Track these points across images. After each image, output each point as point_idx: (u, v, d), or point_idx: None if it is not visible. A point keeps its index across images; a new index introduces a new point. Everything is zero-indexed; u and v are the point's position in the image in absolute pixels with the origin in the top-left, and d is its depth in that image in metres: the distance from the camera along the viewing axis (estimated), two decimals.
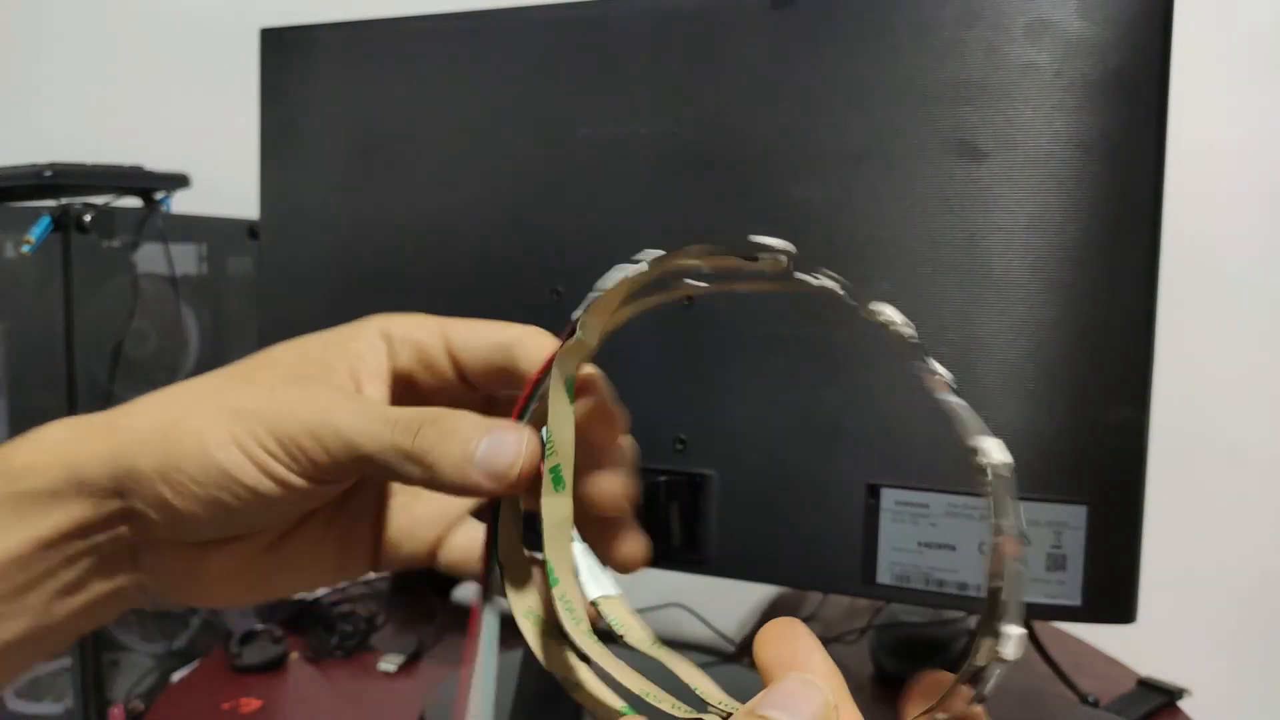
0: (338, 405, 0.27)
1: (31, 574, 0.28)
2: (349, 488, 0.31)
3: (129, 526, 0.28)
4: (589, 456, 0.29)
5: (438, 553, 0.34)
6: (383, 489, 0.33)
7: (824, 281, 0.24)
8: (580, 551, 0.29)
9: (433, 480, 0.26)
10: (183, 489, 0.27)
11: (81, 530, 0.28)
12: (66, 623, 0.29)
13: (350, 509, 0.32)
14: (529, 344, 0.30)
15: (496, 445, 0.26)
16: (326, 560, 0.32)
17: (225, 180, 0.90)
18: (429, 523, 0.33)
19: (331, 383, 0.29)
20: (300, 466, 0.27)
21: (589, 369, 0.29)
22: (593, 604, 0.28)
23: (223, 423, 0.27)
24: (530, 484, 0.27)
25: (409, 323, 0.32)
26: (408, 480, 0.27)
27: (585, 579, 0.29)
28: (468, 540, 0.33)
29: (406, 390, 0.32)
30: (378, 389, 0.31)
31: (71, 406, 0.82)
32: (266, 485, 0.27)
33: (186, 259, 0.95)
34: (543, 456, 0.27)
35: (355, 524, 0.32)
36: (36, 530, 0.28)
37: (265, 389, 0.28)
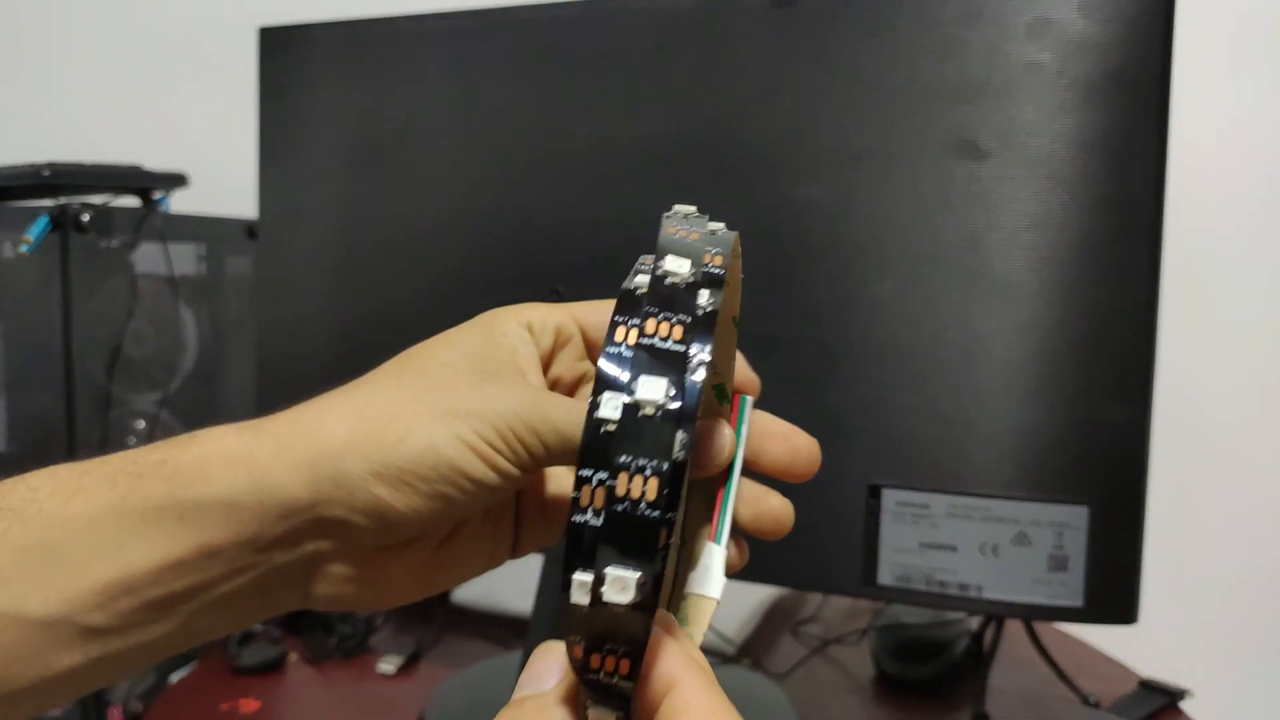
0: (543, 400, 0.29)
1: (189, 582, 0.27)
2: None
3: (320, 538, 0.28)
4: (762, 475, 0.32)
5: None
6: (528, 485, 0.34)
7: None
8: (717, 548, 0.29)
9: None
10: (405, 488, 0.27)
11: (256, 543, 0.27)
12: (210, 629, 0.28)
13: (500, 505, 0.34)
14: None
15: (706, 435, 0.29)
16: (481, 551, 0.32)
17: (224, 180, 0.90)
18: (558, 506, 0.34)
19: (514, 378, 0.31)
20: (519, 458, 0.28)
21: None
22: (684, 595, 0.28)
23: (443, 421, 0.28)
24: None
25: (541, 310, 0.33)
26: None
27: (708, 573, 0.29)
28: None
29: (550, 377, 0.33)
30: (537, 378, 0.32)
31: (69, 406, 0.82)
32: (491, 478, 0.28)
33: (185, 259, 0.95)
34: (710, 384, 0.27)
35: (503, 514, 0.33)
36: (203, 539, 0.27)
37: (468, 388, 0.29)
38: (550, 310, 0.33)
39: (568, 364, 0.33)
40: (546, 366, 0.33)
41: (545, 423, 0.28)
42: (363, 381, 0.30)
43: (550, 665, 0.23)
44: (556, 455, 0.28)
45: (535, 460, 0.28)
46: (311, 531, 0.28)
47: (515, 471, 0.28)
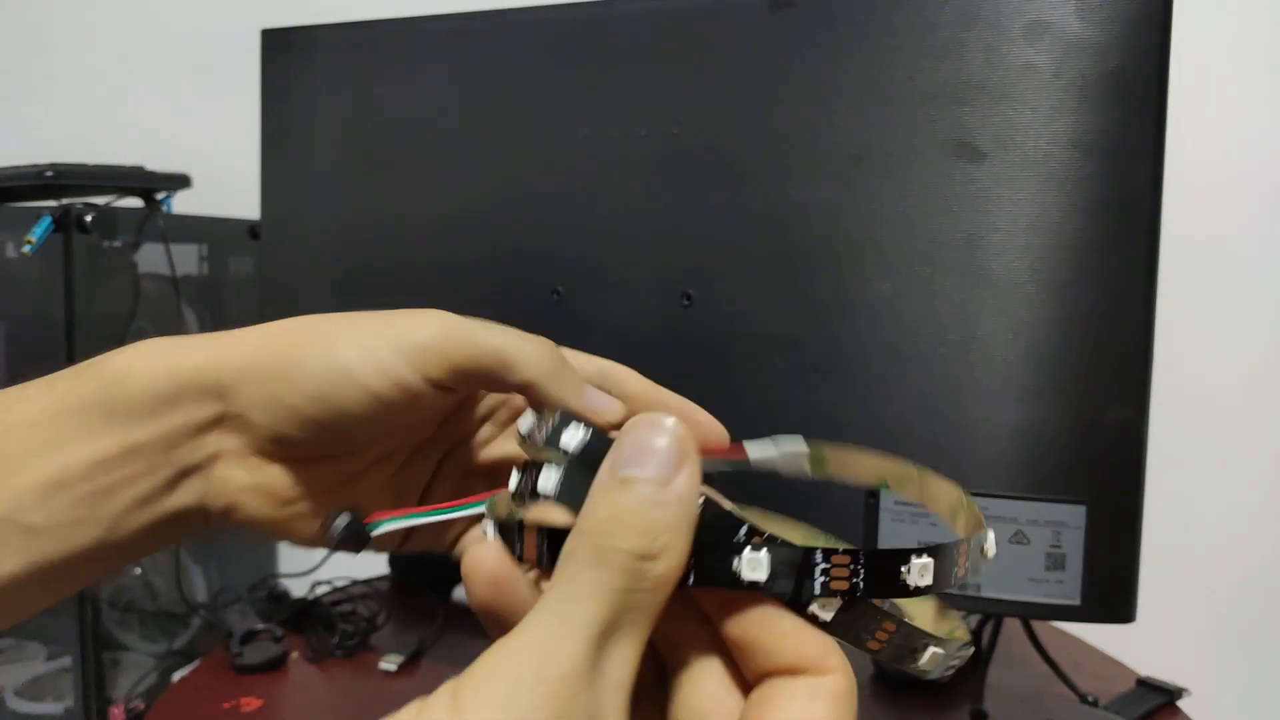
0: (459, 320, 0.30)
1: (113, 479, 0.28)
2: (418, 451, 0.34)
3: (219, 433, 0.29)
4: None
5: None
6: (446, 466, 0.35)
7: None
8: None
9: (549, 397, 0.30)
10: (300, 384, 0.28)
11: (170, 438, 0.29)
12: (134, 540, 0.29)
13: (414, 467, 0.34)
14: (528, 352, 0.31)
15: (597, 395, 0.31)
16: (383, 502, 0.33)
17: (226, 180, 0.90)
18: (477, 475, 0.35)
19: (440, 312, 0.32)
20: (421, 370, 0.29)
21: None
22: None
23: (349, 331, 0.29)
24: None
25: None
26: (529, 393, 0.30)
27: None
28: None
29: None
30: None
31: None
32: (383, 385, 0.28)
33: (187, 259, 0.95)
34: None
35: (410, 486, 0.34)
36: (127, 435, 0.28)
37: (388, 314, 0.30)
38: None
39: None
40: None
41: (454, 335, 0.29)
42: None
43: (658, 442, 0.22)
44: (465, 370, 0.29)
45: (444, 373, 0.29)
46: (215, 426, 0.29)
47: (414, 380, 0.29)
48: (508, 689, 0.19)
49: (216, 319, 1.00)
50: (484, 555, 0.23)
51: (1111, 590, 0.53)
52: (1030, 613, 0.54)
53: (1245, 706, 1.04)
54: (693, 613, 0.23)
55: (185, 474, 0.30)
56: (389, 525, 0.29)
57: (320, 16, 0.69)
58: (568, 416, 0.25)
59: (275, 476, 0.30)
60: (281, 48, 0.71)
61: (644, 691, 0.23)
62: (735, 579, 0.21)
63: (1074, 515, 0.52)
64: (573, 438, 0.24)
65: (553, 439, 0.24)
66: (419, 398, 0.29)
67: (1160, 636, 0.74)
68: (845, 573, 0.21)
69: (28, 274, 0.84)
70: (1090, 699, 0.69)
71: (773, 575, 0.21)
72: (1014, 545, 0.53)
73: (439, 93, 0.66)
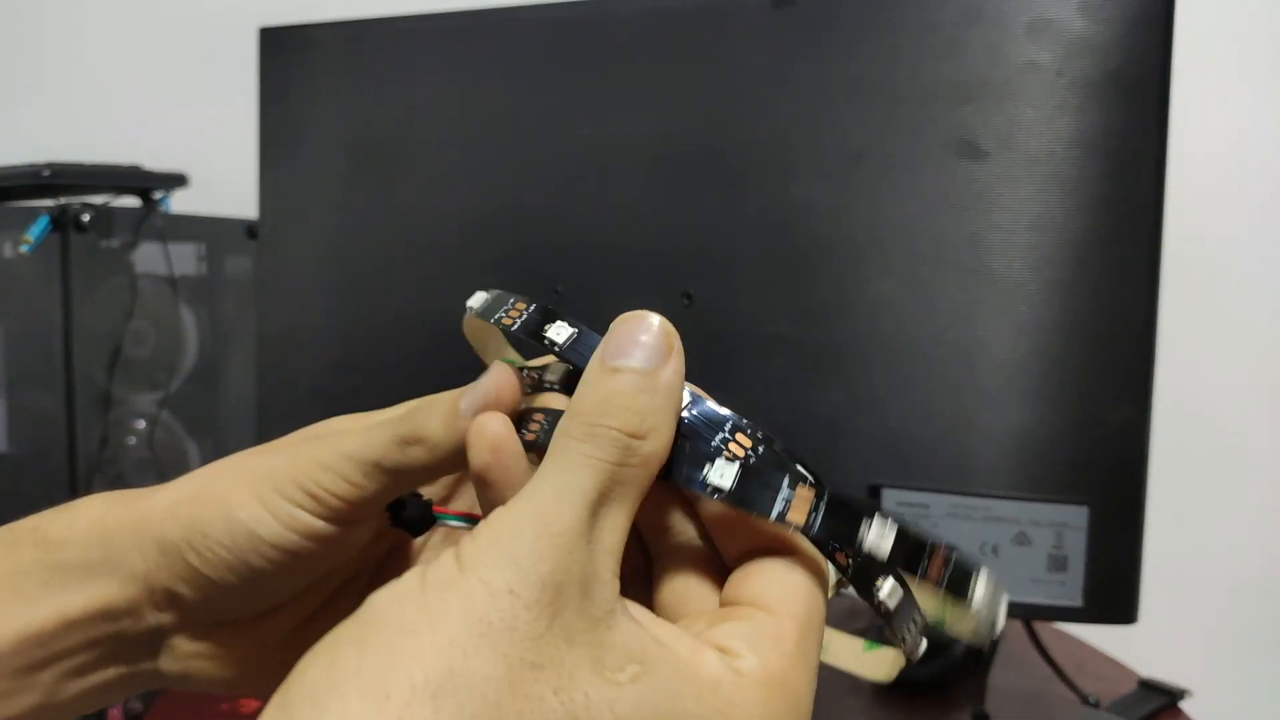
0: (346, 438, 0.27)
1: (50, 651, 0.27)
2: (373, 559, 0.31)
3: (158, 608, 0.28)
4: None
5: None
6: (405, 557, 0.32)
7: None
8: None
9: (434, 449, 0.26)
10: (210, 554, 0.26)
11: (109, 613, 0.27)
12: (73, 703, 0.28)
13: (377, 583, 0.31)
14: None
15: (476, 387, 0.26)
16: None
17: (224, 180, 0.90)
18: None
19: (345, 430, 0.29)
20: (319, 505, 0.26)
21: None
22: None
23: (245, 483, 0.27)
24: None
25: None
26: (417, 470, 0.26)
27: None
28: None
29: None
30: None
31: (70, 406, 0.82)
32: (290, 538, 0.26)
33: (185, 259, 0.95)
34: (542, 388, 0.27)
35: (369, 588, 0.31)
36: (63, 607, 0.27)
37: (284, 447, 0.28)
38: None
39: None
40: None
41: (338, 455, 0.26)
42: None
43: (646, 335, 0.23)
44: (359, 488, 0.26)
45: (340, 501, 0.26)
46: (150, 601, 0.28)
47: (319, 525, 0.26)
48: (510, 544, 0.20)
49: (214, 319, 1.00)
50: (489, 422, 0.24)
51: (1113, 591, 0.52)
52: (1032, 614, 0.54)
53: (1247, 708, 1.03)
54: (676, 501, 0.24)
55: (129, 643, 0.28)
56: (453, 522, 0.29)
57: (319, 15, 0.69)
58: (549, 313, 0.25)
59: (225, 640, 0.29)
60: (280, 47, 0.70)
61: (633, 576, 0.24)
62: (702, 483, 0.22)
63: (1076, 516, 0.52)
64: (560, 333, 0.25)
65: (538, 335, 0.25)
66: (329, 539, 0.27)
67: (1162, 638, 0.74)
68: (805, 506, 0.22)
69: (25, 273, 0.84)
70: (1092, 700, 0.69)
71: (736, 487, 0.22)
72: (1016, 546, 0.53)
73: (438, 92, 0.66)
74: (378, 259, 0.67)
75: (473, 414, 0.25)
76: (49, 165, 0.80)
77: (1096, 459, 0.52)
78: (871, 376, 0.55)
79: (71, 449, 0.82)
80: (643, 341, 0.23)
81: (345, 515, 0.27)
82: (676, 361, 0.23)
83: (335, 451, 0.27)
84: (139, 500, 0.28)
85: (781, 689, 0.21)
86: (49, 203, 0.82)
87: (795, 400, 0.56)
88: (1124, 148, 0.51)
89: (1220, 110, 0.99)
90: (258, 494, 0.27)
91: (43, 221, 0.78)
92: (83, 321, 0.81)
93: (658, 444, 0.22)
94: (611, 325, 0.23)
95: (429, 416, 0.26)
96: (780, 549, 0.23)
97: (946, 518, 0.54)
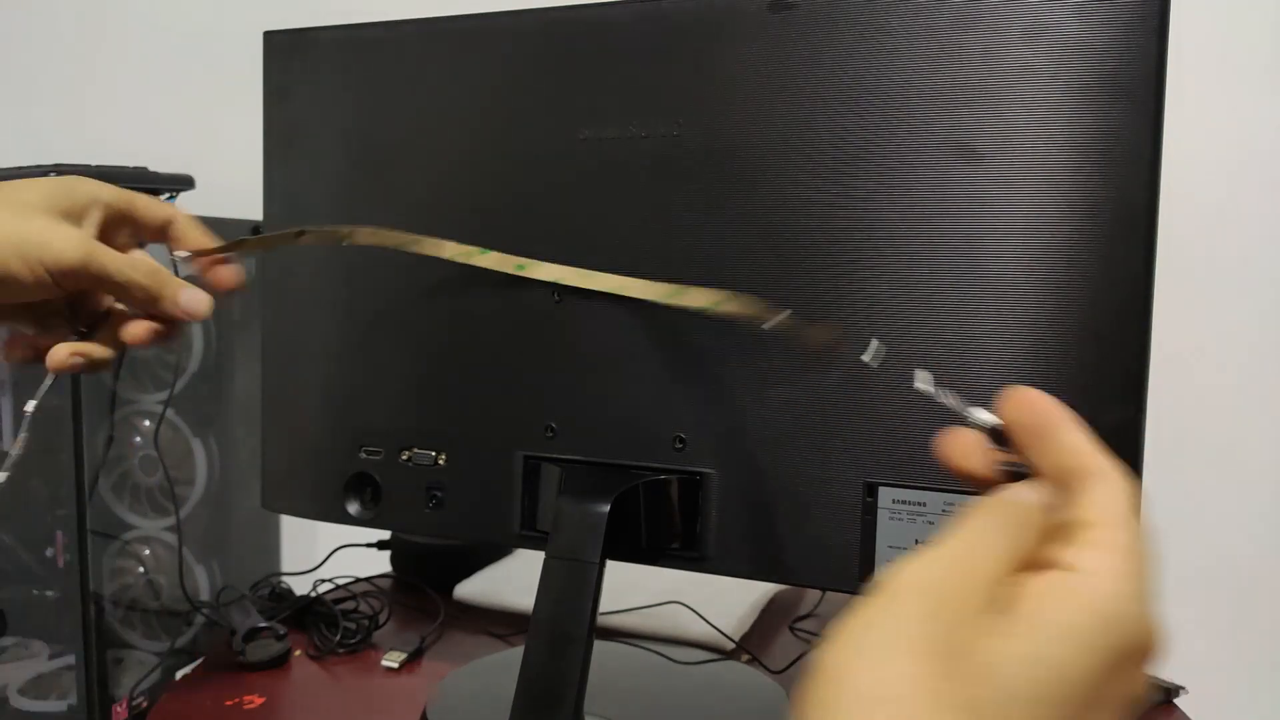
0: (97, 247, 0.49)
1: None
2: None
3: None
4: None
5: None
6: None
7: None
8: None
9: (153, 307, 0.52)
10: None
11: None
12: None
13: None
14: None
15: (193, 295, 0.52)
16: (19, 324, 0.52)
17: (229, 182, 0.90)
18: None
19: (76, 222, 0.49)
20: (62, 279, 0.46)
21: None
22: None
23: (8, 242, 0.43)
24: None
25: (113, 192, 0.51)
26: (133, 302, 0.51)
27: None
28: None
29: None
30: (92, 231, 0.49)
31: (75, 406, 0.82)
32: (30, 285, 0.45)
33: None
34: None
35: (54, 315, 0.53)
36: None
37: (41, 221, 0.46)
38: (119, 197, 0.51)
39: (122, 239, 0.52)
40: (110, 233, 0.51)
41: (95, 262, 0.46)
42: None
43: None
44: (94, 283, 0.47)
45: (76, 282, 0.46)
46: None
47: (52, 285, 0.45)
48: (937, 586, 0.27)
49: (219, 318, 1.01)
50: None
51: None
52: None
53: (1243, 705, 1.04)
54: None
55: None
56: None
57: (323, 19, 0.70)
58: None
59: None
60: (284, 50, 0.71)
61: None
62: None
63: None
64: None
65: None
66: (48, 289, 0.46)
67: None
68: None
69: None
70: None
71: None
72: None
73: (440, 95, 0.66)
74: (379, 259, 0.67)
75: (185, 301, 0.53)
76: (55, 167, 0.81)
77: None
78: (870, 376, 0.55)
79: (77, 449, 0.82)
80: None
81: (70, 285, 0.48)
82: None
83: (89, 255, 0.48)
84: None
85: (1122, 573, 0.26)
86: None
87: (794, 399, 0.57)
88: (1119, 150, 0.52)
89: (1215, 113, 0.99)
90: (18, 252, 0.45)
91: None
92: None
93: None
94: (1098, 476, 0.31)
95: (169, 290, 0.52)
96: (1094, 473, 0.30)
97: (943, 515, 0.54)
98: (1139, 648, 0.26)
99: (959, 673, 0.24)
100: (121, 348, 0.52)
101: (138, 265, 0.49)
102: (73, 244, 0.46)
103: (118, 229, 0.51)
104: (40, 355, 0.51)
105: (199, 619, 0.96)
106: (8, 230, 0.44)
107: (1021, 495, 0.30)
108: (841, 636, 0.25)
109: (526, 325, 0.63)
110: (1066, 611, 0.25)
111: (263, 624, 0.81)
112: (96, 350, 0.51)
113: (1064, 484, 0.30)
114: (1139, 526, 0.28)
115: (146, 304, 0.50)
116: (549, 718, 0.54)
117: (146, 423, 0.93)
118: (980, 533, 0.28)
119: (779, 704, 0.68)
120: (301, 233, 0.61)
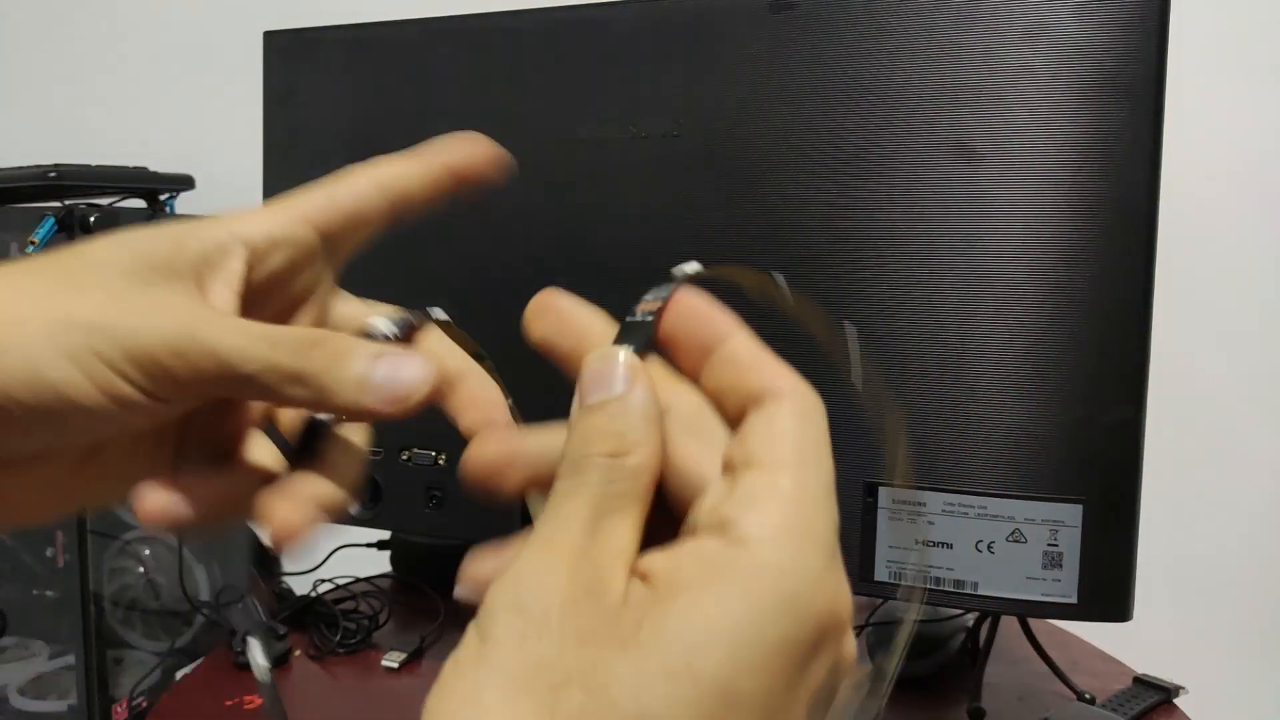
0: (202, 319, 0.24)
1: None
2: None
3: None
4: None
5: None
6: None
7: None
8: None
9: (322, 402, 0.25)
10: (3, 415, 0.23)
11: None
12: None
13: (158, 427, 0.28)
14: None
15: (393, 369, 0.25)
16: (137, 470, 0.27)
17: (229, 181, 0.90)
18: (233, 432, 0.29)
19: (177, 291, 0.25)
20: (156, 386, 0.23)
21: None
22: None
23: (54, 333, 0.23)
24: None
25: (273, 221, 0.29)
26: (288, 402, 0.26)
27: None
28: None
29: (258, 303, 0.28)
30: (225, 300, 0.26)
31: None
32: (106, 408, 0.23)
33: None
34: None
35: (164, 433, 0.28)
36: None
37: (107, 296, 0.24)
38: (287, 222, 0.29)
39: (314, 299, 0.31)
40: (269, 294, 0.28)
41: (197, 345, 0.23)
42: (9, 268, 0.25)
43: (611, 370, 0.23)
44: (212, 385, 0.24)
45: (181, 389, 0.24)
46: None
47: (145, 402, 0.24)
48: (514, 587, 0.21)
49: None
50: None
51: (1108, 588, 0.53)
52: (1027, 610, 0.54)
53: (1242, 704, 1.04)
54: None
55: None
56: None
57: (323, 19, 0.70)
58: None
59: (8, 479, 0.25)
60: (284, 49, 0.71)
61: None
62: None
63: (1071, 514, 0.53)
64: None
65: None
66: (155, 411, 0.24)
67: (1157, 634, 0.74)
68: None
69: None
70: (1087, 697, 0.70)
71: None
72: (1011, 544, 0.53)
73: (440, 94, 0.66)
74: (378, 259, 0.67)
75: (384, 400, 0.25)
76: (55, 167, 0.81)
77: (1091, 457, 0.53)
78: (869, 377, 0.55)
79: None
80: (608, 374, 0.23)
81: (176, 399, 0.24)
82: (644, 380, 0.23)
83: (193, 338, 0.24)
84: None
85: (790, 535, 0.20)
86: (55, 204, 0.82)
87: None
88: (1119, 150, 0.52)
89: (1215, 112, 0.99)
90: (69, 352, 0.23)
91: (49, 223, 0.79)
92: None
93: (644, 455, 0.22)
94: (582, 367, 0.24)
95: (332, 366, 0.25)
96: (766, 391, 0.23)
97: (942, 515, 0.54)
98: (821, 629, 0.20)
99: (570, 707, 0.18)
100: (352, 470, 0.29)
101: (277, 340, 0.25)
102: (171, 318, 0.24)
103: (295, 277, 0.30)
104: (216, 508, 0.27)
105: (199, 619, 0.96)
106: (53, 318, 0.23)
107: (628, 433, 0.22)
108: (440, 679, 0.20)
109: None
110: (716, 606, 0.19)
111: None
112: (322, 490, 0.27)
113: (734, 410, 0.23)
114: (817, 458, 0.22)
115: (311, 403, 0.25)
116: None
117: None
118: (573, 515, 0.21)
119: None
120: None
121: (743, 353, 0.24)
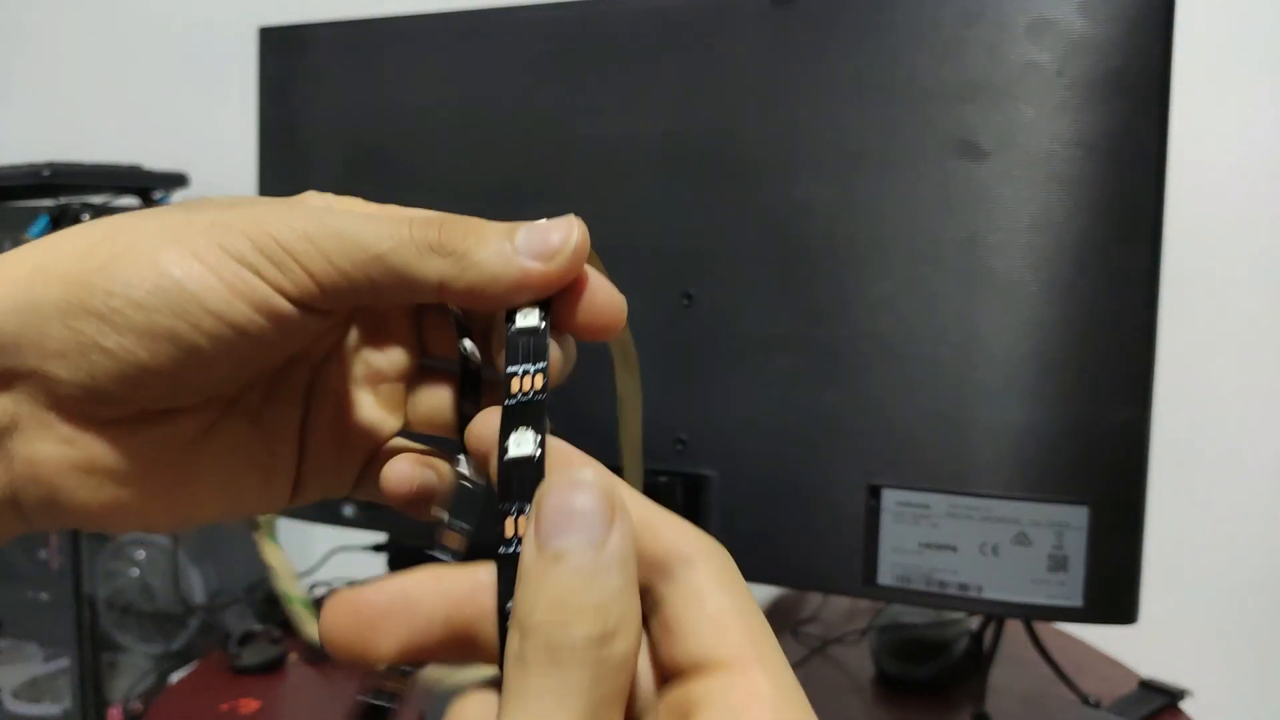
0: (330, 208, 0.23)
1: None
2: (278, 381, 0.26)
3: (8, 397, 0.21)
4: None
5: (361, 483, 0.29)
6: (319, 388, 0.27)
7: None
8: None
9: (466, 275, 0.23)
10: (118, 320, 0.20)
11: None
12: None
13: (277, 404, 0.26)
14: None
15: (539, 230, 0.24)
16: (251, 469, 0.25)
17: (223, 179, 0.90)
18: (359, 441, 0.27)
19: (300, 203, 0.24)
20: (286, 280, 0.21)
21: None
22: None
23: (175, 235, 0.21)
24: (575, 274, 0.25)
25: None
26: (428, 288, 0.23)
27: None
28: (399, 472, 0.27)
29: None
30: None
31: None
32: (239, 310, 0.21)
33: None
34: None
35: (282, 428, 0.26)
36: None
37: (227, 204, 0.22)
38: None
39: None
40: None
41: (330, 230, 0.21)
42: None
43: (583, 504, 0.18)
44: (351, 276, 0.22)
45: (319, 284, 0.22)
46: (4, 386, 0.21)
47: (284, 305, 0.21)
48: None
49: None
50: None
51: (1114, 591, 0.52)
52: (1032, 614, 0.54)
53: (1248, 708, 1.03)
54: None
55: None
56: None
57: (319, 15, 0.69)
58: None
59: (99, 449, 0.22)
60: (279, 46, 0.70)
61: None
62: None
63: (1076, 516, 0.52)
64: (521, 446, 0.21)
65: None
66: (289, 324, 0.22)
67: (1163, 638, 0.74)
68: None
69: None
70: (1092, 700, 0.69)
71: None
72: (1016, 547, 0.53)
73: (437, 91, 0.66)
74: None
75: (535, 255, 0.24)
76: (49, 165, 0.80)
77: (1097, 459, 0.52)
78: (871, 376, 0.55)
79: None
80: (581, 509, 0.18)
81: (310, 301, 0.22)
82: (623, 520, 0.18)
83: (325, 225, 0.22)
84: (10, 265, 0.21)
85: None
86: (49, 202, 0.82)
87: (795, 400, 0.56)
88: (1124, 147, 0.51)
89: (1221, 110, 0.99)
90: (195, 250, 0.21)
91: (42, 221, 0.78)
92: None
93: (632, 637, 0.18)
94: (537, 494, 0.18)
95: (469, 236, 0.24)
96: (667, 562, 0.19)
97: (946, 518, 0.54)
98: None
99: None
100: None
101: (408, 215, 0.25)
102: (296, 210, 0.23)
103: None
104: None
105: (194, 622, 0.96)
106: (171, 222, 0.22)
107: (611, 605, 0.17)
108: None
109: None
110: None
111: (258, 627, 0.81)
112: None
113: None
114: (764, 629, 0.19)
115: (450, 279, 0.24)
116: None
117: None
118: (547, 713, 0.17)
119: None
120: None
121: (661, 522, 0.20)
